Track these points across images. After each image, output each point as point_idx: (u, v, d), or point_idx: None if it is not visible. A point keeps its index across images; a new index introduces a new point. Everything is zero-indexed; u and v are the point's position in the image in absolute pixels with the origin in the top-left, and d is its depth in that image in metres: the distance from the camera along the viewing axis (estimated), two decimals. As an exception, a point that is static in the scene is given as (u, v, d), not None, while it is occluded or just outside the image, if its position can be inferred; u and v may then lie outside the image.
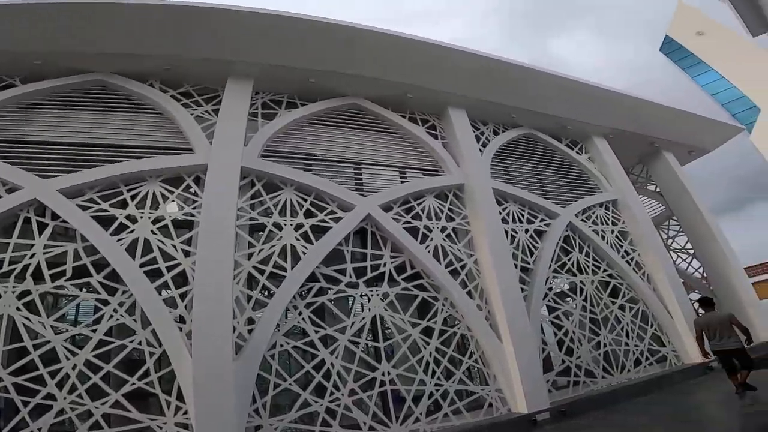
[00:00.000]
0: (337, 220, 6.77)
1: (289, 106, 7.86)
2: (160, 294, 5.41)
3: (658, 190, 12.64)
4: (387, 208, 7.34)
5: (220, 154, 6.41)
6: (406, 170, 8.57)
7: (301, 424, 5.61)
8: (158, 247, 5.63)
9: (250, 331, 5.65)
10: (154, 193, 6.03)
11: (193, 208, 6.08)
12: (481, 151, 8.79)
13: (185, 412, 5.16)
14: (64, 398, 4.91)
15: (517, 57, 9.01)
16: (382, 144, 8.36)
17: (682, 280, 10.45)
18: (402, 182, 8.17)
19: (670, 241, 12.66)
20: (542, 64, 9.39)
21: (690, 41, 32.13)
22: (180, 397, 5.21)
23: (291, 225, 6.44)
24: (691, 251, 12.06)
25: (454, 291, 6.97)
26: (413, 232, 7.28)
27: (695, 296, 11.20)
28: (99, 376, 5.03)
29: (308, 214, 6.70)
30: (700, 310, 7.13)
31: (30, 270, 5.25)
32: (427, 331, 6.68)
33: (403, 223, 7.31)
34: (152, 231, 5.74)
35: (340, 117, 8.18)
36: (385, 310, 6.50)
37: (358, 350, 6.09)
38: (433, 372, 6.45)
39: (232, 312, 5.43)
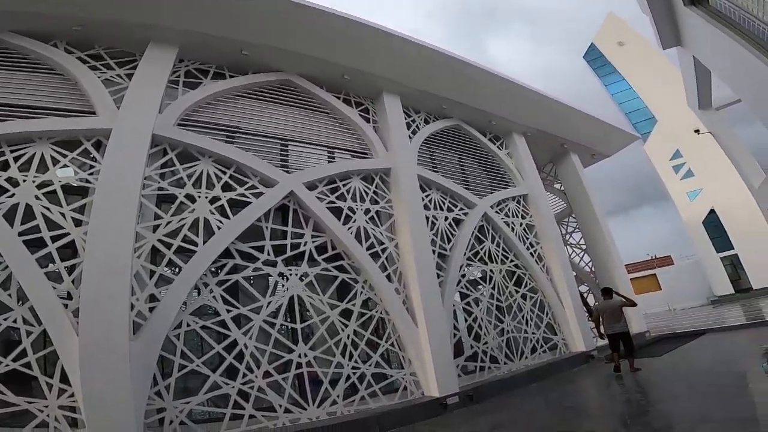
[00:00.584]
0: (257, 195, 6.49)
1: (216, 76, 7.28)
2: (43, 267, 4.80)
3: (562, 188, 13.97)
4: (312, 186, 7.21)
5: (127, 118, 5.78)
6: (334, 151, 8.45)
7: (214, 407, 5.45)
8: (42, 214, 4.98)
9: (151, 309, 5.27)
10: (42, 156, 5.30)
11: (90, 174, 5.44)
12: (410, 138, 8.95)
13: (71, 395, 4.76)
14: None
15: (456, 51, 9.15)
16: (313, 123, 8.11)
17: (575, 273, 11.81)
18: (330, 162, 8.06)
19: (567, 236, 14.10)
20: (478, 61, 9.70)
21: (611, 51, 35.05)
22: (64, 379, 4.77)
23: (206, 197, 6.05)
24: (584, 247, 13.57)
25: (374, 274, 7.12)
26: (337, 212, 7.24)
27: (584, 288, 12.79)
28: None
29: (226, 188, 6.35)
30: (601, 298, 8.26)
31: None
32: (346, 314, 6.76)
33: (327, 203, 7.24)
34: (36, 196, 5.07)
35: (271, 92, 7.75)
36: (304, 290, 6.45)
37: (274, 331, 5.99)
38: (351, 355, 6.56)
39: (130, 288, 5.00)
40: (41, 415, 4.72)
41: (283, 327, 6.38)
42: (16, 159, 5.17)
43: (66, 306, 4.81)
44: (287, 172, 7.11)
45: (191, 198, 5.99)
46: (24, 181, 5.07)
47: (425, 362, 6.96)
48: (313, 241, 6.83)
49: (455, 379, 7.10)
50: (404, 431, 5.91)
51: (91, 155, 5.59)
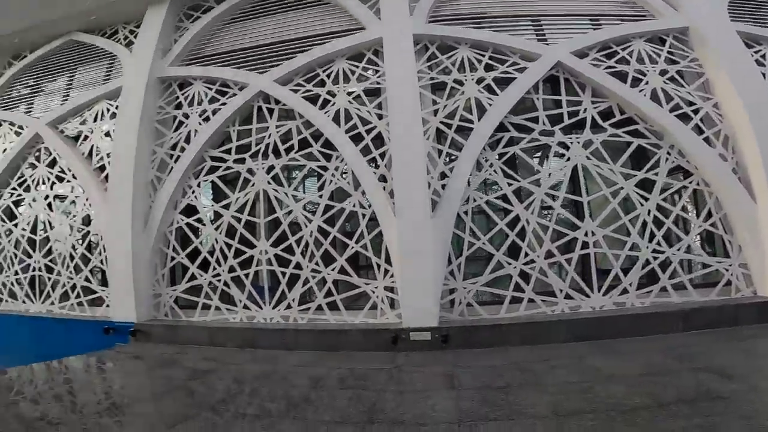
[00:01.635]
0: (521, 70, 6.09)
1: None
2: (364, 156, 5.98)
3: None
4: (581, 54, 6.20)
5: (390, 26, 6.37)
6: (599, 18, 6.99)
7: (495, 288, 5.56)
8: (356, 114, 6.19)
9: (443, 187, 5.78)
10: (343, 70, 6.50)
11: (378, 77, 6.37)
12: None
13: (392, 275, 5.68)
14: (307, 266, 5.93)
15: None
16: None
17: None
18: (596, 30, 6.72)
19: None
20: None
21: None
22: (388, 259, 5.75)
23: (472, 79, 6.11)
24: None
25: (685, 137, 5.58)
26: (620, 77, 6.01)
27: None
28: (329, 240, 5.86)
29: (488, 68, 6.23)
30: None
31: (270, 147, 6.50)
32: (646, 185, 5.62)
33: (605, 68, 6.09)
34: (349, 101, 6.25)
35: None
36: (589, 159, 5.71)
37: (557, 205, 5.59)
38: (652, 235, 5.47)
39: (425, 168, 5.60)
40: (372, 297, 5.65)
41: (567, 201, 5.86)
42: (328, 76, 6.46)
43: (384, 188, 5.84)
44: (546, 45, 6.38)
45: (459, 82, 6.07)
46: (338, 92, 6.34)
47: (765, 250, 5.16)
48: (594, 107, 5.90)
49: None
50: (721, 334, 4.57)
51: (374, 62, 6.49)
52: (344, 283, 5.91)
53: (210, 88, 7.01)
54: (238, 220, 6.38)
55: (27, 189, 7.78)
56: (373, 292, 5.70)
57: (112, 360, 5.60)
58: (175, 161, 6.78)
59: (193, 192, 6.76)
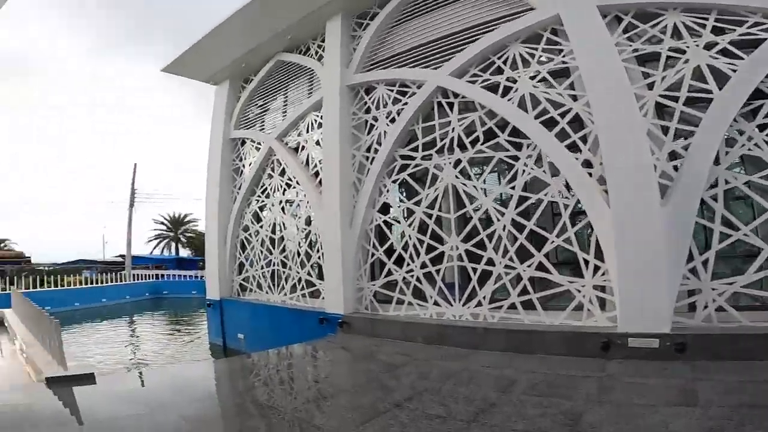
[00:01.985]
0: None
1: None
2: (561, 141, 5.34)
3: None
4: None
5: (568, 2, 5.54)
6: None
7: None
8: (545, 98, 5.55)
9: (675, 169, 4.68)
10: (520, 54, 5.94)
11: (563, 56, 5.60)
12: None
13: (604, 273, 4.92)
14: (500, 262, 5.65)
15: None
16: None
17: None
18: None
19: None
20: None
21: None
22: (599, 254, 4.97)
23: (697, 46, 4.87)
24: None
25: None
26: None
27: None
28: (524, 234, 5.51)
29: (718, 32, 4.85)
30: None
31: (454, 141, 6.40)
32: None
33: None
34: (533, 86, 5.72)
35: None
36: None
37: None
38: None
39: (647, 148, 4.67)
40: (578, 296, 5.06)
41: None
42: (504, 62, 6.07)
43: (590, 174, 5.12)
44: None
45: (677, 50, 5.01)
46: (519, 77, 5.87)
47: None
48: None
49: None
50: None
51: (554, 41, 5.72)
52: (542, 280, 5.46)
53: (391, 90, 7.36)
54: (429, 216, 6.53)
55: (267, 196, 9.74)
56: (579, 291, 5.11)
57: (323, 349, 6.40)
58: (371, 162, 7.40)
59: (387, 190, 7.28)
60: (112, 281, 22.14)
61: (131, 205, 27.99)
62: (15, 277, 18.60)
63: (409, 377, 4.46)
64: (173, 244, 41.21)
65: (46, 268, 25.48)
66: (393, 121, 7.25)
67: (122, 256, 29.15)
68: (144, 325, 16.85)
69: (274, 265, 9.28)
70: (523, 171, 5.69)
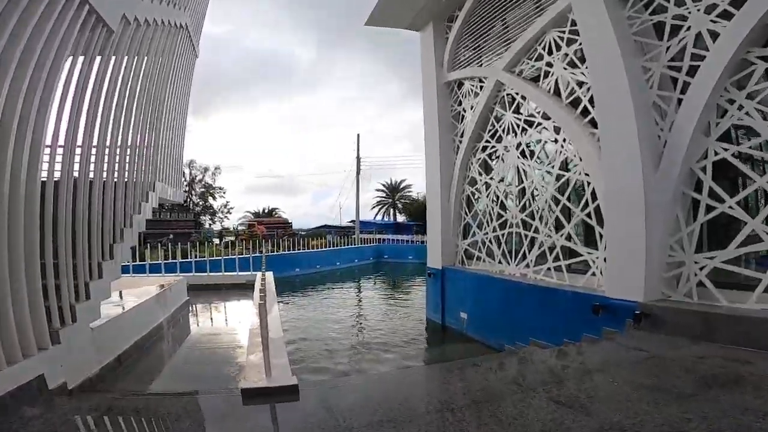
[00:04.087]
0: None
1: None
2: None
3: None
4: None
5: None
6: None
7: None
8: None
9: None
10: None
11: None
12: None
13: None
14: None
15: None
16: None
17: None
18: None
19: None
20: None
21: None
22: None
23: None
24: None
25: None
26: None
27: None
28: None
29: None
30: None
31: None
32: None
33: None
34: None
35: None
36: None
37: None
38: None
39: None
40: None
41: None
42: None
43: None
44: None
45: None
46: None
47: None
48: None
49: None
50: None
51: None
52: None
53: None
54: None
55: (498, 139, 7.65)
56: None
57: (607, 353, 3.90)
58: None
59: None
60: (345, 244, 24.71)
61: (357, 173, 30.79)
62: (280, 240, 22.26)
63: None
64: (391, 210, 44.26)
65: (302, 233, 30.93)
66: None
67: (353, 221, 32.82)
68: (367, 291, 16.88)
69: (510, 226, 7.08)
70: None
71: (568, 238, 5.79)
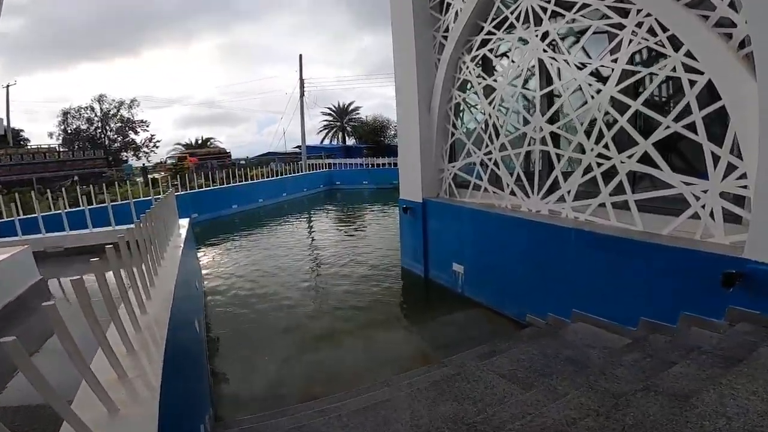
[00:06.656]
0: None
1: None
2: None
3: None
4: None
5: None
6: None
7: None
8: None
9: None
10: None
11: None
12: None
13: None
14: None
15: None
16: None
17: None
18: None
19: None
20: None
21: None
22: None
23: None
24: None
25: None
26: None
27: None
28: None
29: None
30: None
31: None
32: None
33: None
34: None
35: None
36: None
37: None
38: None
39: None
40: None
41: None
42: None
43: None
44: None
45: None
46: None
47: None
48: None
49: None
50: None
51: None
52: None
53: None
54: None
55: (508, 30, 5.17)
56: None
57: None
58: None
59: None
60: (291, 172, 21.65)
61: (301, 95, 27.45)
62: (215, 173, 18.33)
63: None
64: (340, 134, 41.46)
65: (242, 162, 27.14)
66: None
67: (299, 146, 29.58)
68: (320, 223, 13.99)
69: (530, 143, 4.85)
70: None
71: (645, 160, 3.67)
